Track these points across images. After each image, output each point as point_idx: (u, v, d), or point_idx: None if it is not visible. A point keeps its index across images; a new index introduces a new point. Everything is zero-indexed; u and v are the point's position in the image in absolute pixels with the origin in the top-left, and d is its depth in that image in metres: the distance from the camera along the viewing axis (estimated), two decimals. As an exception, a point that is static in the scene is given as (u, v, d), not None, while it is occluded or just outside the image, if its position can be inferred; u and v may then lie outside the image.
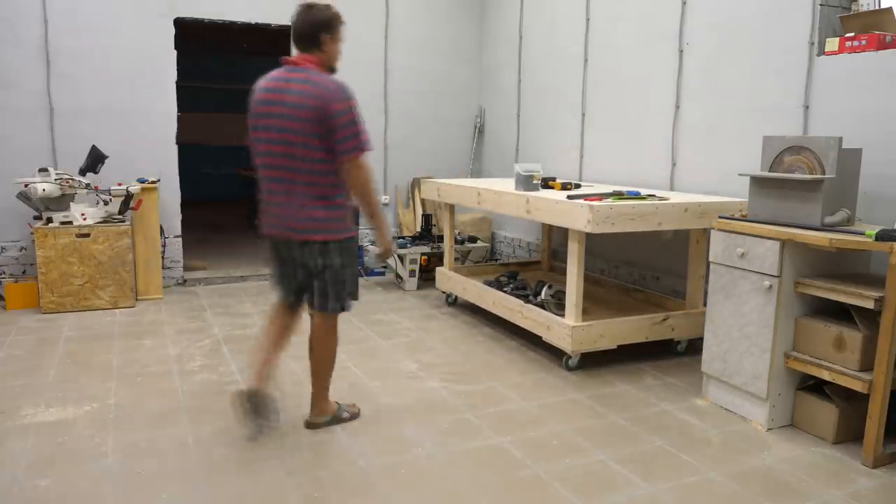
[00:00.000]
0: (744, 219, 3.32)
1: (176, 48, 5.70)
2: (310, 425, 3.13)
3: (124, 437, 3.00)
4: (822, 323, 3.05)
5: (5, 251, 5.37)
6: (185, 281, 5.97)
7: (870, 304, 2.79)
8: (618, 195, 3.81)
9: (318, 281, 2.91)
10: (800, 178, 3.09)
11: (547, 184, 4.48)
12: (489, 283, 4.86)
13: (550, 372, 3.90)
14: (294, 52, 2.99)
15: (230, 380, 3.72)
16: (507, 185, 4.36)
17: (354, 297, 3.03)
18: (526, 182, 4.33)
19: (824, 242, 2.87)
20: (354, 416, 3.24)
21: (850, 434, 3.03)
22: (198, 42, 9.15)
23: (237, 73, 11.28)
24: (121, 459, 2.80)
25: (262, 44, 9.89)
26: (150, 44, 5.63)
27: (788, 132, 3.69)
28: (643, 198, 3.78)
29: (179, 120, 5.83)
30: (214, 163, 11.37)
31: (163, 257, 5.64)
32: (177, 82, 5.73)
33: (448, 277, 5.32)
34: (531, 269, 5.67)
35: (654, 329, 3.99)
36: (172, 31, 5.67)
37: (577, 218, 3.60)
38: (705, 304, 3.61)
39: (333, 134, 2.79)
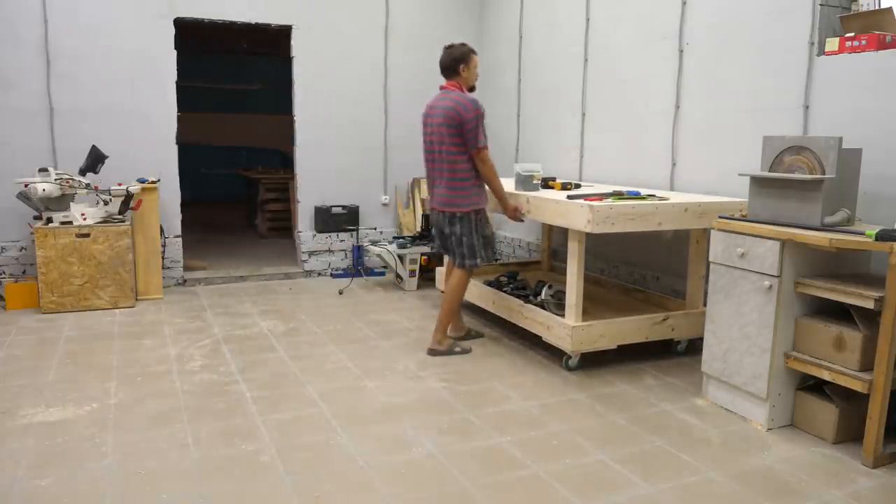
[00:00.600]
0: (744, 219, 3.32)
1: (176, 48, 5.70)
2: (430, 351, 4.16)
3: (124, 437, 3.00)
4: (822, 323, 3.05)
5: (5, 251, 5.37)
6: (185, 281, 5.97)
7: (870, 304, 2.79)
8: (618, 195, 3.80)
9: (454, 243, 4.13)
10: (800, 178, 3.09)
11: (547, 184, 4.47)
12: (489, 284, 4.85)
13: (551, 372, 3.90)
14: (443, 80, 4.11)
15: (230, 380, 3.72)
16: (507, 185, 4.36)
17: (481, 258, 4.12)
18: (526, 182, 4.32)
19: (824, 242, 2.87)
20: (466, 351, 4.20)
21: (850, 434, 3.03)
22: (198, 42, 9.15)
23: (237, 73, 11.31)
24: (121, 459, 2.80)
25: (263, 44, 9.90)
26: (150, 44, 5.63)
27: (788, 132, 3.69)
28: (643, 198, 3.77)
29: (179, 120, 5.83)
30: (214, 163, 11.37)
31: (163, 257, 5.64)
32: (177, 82, 5.73)
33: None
34: (531, 269, 5.65)
35: (655, 329, 3.98)
36: (172, 31, 5.68)
37: (577, 218, 3.60)
38: (706, 305, 3.62)
39: (465, 135, 3.98)
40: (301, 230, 6.45)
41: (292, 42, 6.16)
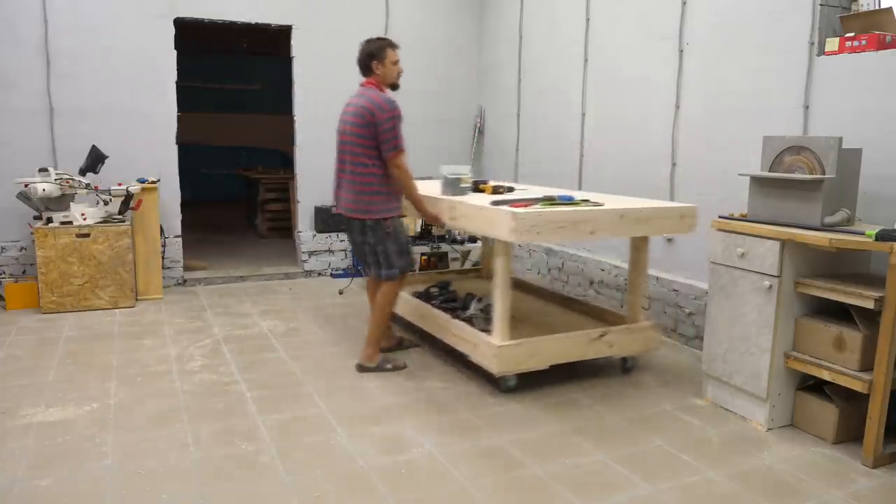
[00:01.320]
0: (744, 219, 3.32)
1: (176, 48, 5.70)
2: (358, 367, 3.87)
3: (124, 437, 3.00)
4: (822, 323, 3.05)
5: (5, 251, 5.37)
6: (185, 281, 5.97)
7: (870, 304, 2.79)
8: (549, 200, 3.52)
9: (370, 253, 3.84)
10: (800, 178, 3.09)
11: (478, 187, 4.15)
12: (418, 295, 4.49)
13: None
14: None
15: (230, 380, 3.72)
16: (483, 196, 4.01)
17: (399, 268, 3.81)
18: (452, 186, 3.92)
19: (824, 242, 2.87)
20: (399, 368, 3.88)
21: (850, 434, 3.03)
22: (198, 42, 9.15)
23: (237, 73, 11.31)
24: (121, 459, 2.80)
25: (263, 44, 9.90)
26: (150, 44, 5.63)
27: (788, 132, 3.69)
28: (576, 203, 3.48)
29: (179, 120, 5.83)
30: (214, 163, 11.37)
31: (163, 257, 5.64)
32: (177, 82, 5.73)
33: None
34: (469, 279, 5.32)
35: (592, 346, 3.66)
36: (172, 31, 5.67)
37: (500, 226, 3.22)
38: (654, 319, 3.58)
39: (379, 137, 3.72)
40: (301, 230, 6.46)
41: (292, 42, 6.16)
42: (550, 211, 3.26)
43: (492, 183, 4.22)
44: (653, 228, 3.50)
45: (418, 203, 3.80)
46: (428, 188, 4.02)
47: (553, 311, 4.47)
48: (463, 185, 3.94)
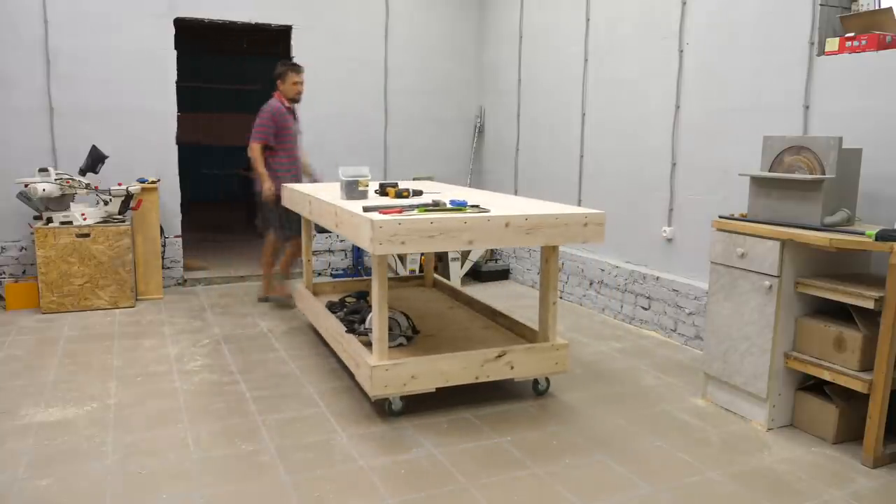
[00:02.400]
0: (744, 219, 3.32)
1: (176, 48, 5.70)
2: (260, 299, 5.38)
3: (124, 437, 3.00)
4: (822, 323, 3.05)
5: (5, 251, 5.37)
6: (185, 281, 5.97)
7: (870, 304, 2.79)
8: (432, 207, 3.18)
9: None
10: (800, 178, 3.09)
11: (384, 190, 3.89)
12: (331, 304, 4.27)
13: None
14: None
15: (230, 380, 3.72)
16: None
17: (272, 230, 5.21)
18: (350, 189, 3.64)
19: (824, 242, 2.87)
20: (285, 297, 5.30)
21: (850, 434, 3.03)
22: (198, 42, 9.15)
23: (237, 73, 11.30)
24: (121, 459, 2.80)
25: (263, 44, 9.89)
26: (150, 44, 5.63)
27: (788, 132, 3.69)
28: (459, 209, 3.14)
29: (179, 120, 5.83)
30: (214, 163, 11.37)
31: (163, 257, 5.64)
32: (177, 82, 5.73)
33: (301, 296, 4.74)
34: (410, 286, 5.10)
35: (488, 367, 3.30)
36: (172, 31, 5.67)
37: (362, 235, 2.98)
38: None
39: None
40: (301, 230, 6.46)
41: (292, 42, 6.16)
42: (417, 219, 2.92)
43: (403, 186, 3.92)
44: (546, 237, 3.13)
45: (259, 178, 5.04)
46: (327, 190, 4.13)
47: (474, 325, 4.04)
48: (361, 189, 3.64)
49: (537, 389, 3.55)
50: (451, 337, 3.77)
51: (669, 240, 4.59)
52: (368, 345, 3.36)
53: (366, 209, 3.08)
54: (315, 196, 3.86)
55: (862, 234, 2.82)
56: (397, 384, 3.13)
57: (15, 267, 5.40)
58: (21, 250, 5.40)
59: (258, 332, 4.61)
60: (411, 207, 3.13)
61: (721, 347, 3.40)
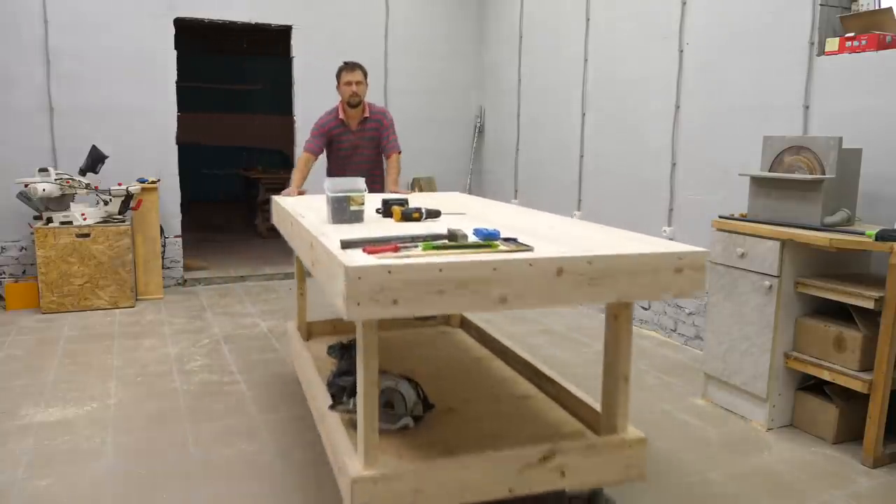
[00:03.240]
0: (744, 219, 3.32)
1: (176, 48, 5.70)
2: None
3: (124, 437, 3.00)
4: (822, 323, 3.05)
5: (5, 251, 5.37)
6: (185, 281, 5.97)
7: (870, 304, 2.79)
8: (444, 242, 2.06)
9: None
10: (800, 178, 3.09)
11: (389, 209, 2.77)
12: (329, 351, 3.23)
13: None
14: None
15: (230, 380, 3.72)
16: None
17: None
18: (338, 209, 2.56)
19: (824, 242, 2.87)
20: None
21: (850, 434, 3.03)
22: (198, 42, 9.15)
23: (237, 73, 11.31)
24: (121, 459, 2.80)
25: (263, 44, 9.90)
26: (150, 44, 5.63)
27: (788, 132, 3.69)
28: (489, 245, 2.01)
29: (179, 120, 5.83)
30: (214, 163, 11.38)
31: (163, 257, 5.64)
32: (177, 82, 5.73)
33: (289, 339, 3.76)
34: (430, 327, 3.80)
35: (529, 475, 2.16)
36: (172, 31, 5.68)
37: (334, 288, 1.87)
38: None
39: None
40: (301, 230, 6.45)
41: (292, 42, 6.16)
42: (414, 264, 1.79)
43: (414, 205, 2.76)
44: (620, 291, 1.95)
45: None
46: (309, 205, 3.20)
47: (509, 393, 2.87)
48: (354, 208, 2.56)
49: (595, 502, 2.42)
50: (477, 415, 2.63)
51: (669, 240, 4.59)
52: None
53: (345, 244, 1.98)
54: (297, 216, 2.75)
55: (862, 234, 2.82)
56: (389, 503, 2.02)
57: (15, 267, 5.40)
58: (21, 250, 5.40)
59: (258, 332, 4.61)
60: (412, 241, 2.06)
61: (721, 347, 3.40)
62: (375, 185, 4.18)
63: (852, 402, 3.00)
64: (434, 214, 2.72)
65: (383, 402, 2.40)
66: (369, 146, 4.37)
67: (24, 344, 4.29)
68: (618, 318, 2.29)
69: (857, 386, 2.86)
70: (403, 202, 2.82)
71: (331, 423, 2.39)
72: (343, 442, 2.22)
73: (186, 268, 6.07)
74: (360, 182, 2.63)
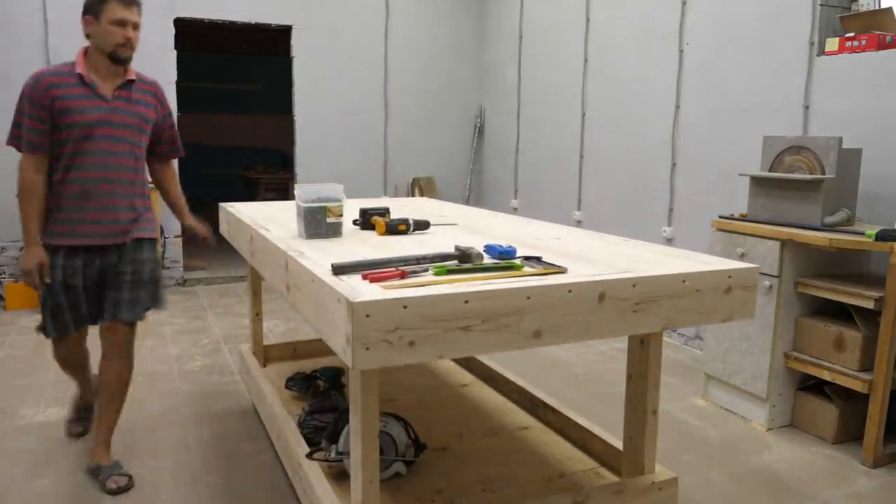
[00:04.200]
0: (744, 219, 3.32)
1: (176, 48, 5.70)
2: (91, 471, 2.64)
3: (124, 438, 3.00)
4: (822, 323, 3.05)
5: (5, 251, 5.37)
6: (185, 281, 5.97)
7: (870, 304, 2.79)
8: (458, 263, 1.75)
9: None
10: (800, 178, 3.09)
11: (369, 220, 2.40)
12: (290, 383, 2.92)
13: (550, 372, 3.88)
14: None
15: (230, 380, 3.72)
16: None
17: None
18: (311, 221, 2.18)
19: (824, 242, 2.87)
20: (119, 488, 2.53)
21: (850, 434, 3.03)
22: (198, 42, 9.16)
23: (237, 73, 11.31)
24: (121, 459, 2.79)
25: (263, 44, 9.91)
26: (149, 44, 5.62)
27: (788, 132, 3.69)
28: (512, 266, 1.69)
29: (179, 120, 5.82)
30: (214, 163, 11.38)
31: (162, 257, 5.64)
32: (177, 82, 5.73)
33: (246, 366, 3.21)
34: None
35: None
36: (172, 30, 5.67)
37: (334, 328, 1.49)
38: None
39: None
40: (301, 230, 6.45)
41: (292, 42, 6.16)
42: (435, 295, 1.43)
43: (397, 217, 2.41)
44: (666, 317, 1.68)
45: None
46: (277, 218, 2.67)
47: (506, 424, 2.61)
48: (331, 220, 2.20)
49: None
50: (475, 453, 2.35)
51: (669, 240, 4.59)
52: (343, 477, 2.08)
53: (337, 269, 1.63)
54: (258, 228, 2.35)
55: (862, 234, 2.82)
56: None
57: (15, 267, 5.39)
58: (21, 250, 5.38)
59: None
60: (418, 263, 1.73)
61: (721, 347, 3.40)
62: (136, 199, 2.71)
63: (852, 402, 3.00)
64: (423, 226, 2.37)
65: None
66: (134, 129, 2.60)
67: (24, 344, 4.28)
68: (646, 345, 2.05)
69: (857, 386, 2.86)
70: (384, 212, 2.43)
71: (308, 472, 2.09)
72: (328, 499, 1.93)
73: (186, 268, 6.07)
74: (338, 189, 2.20)
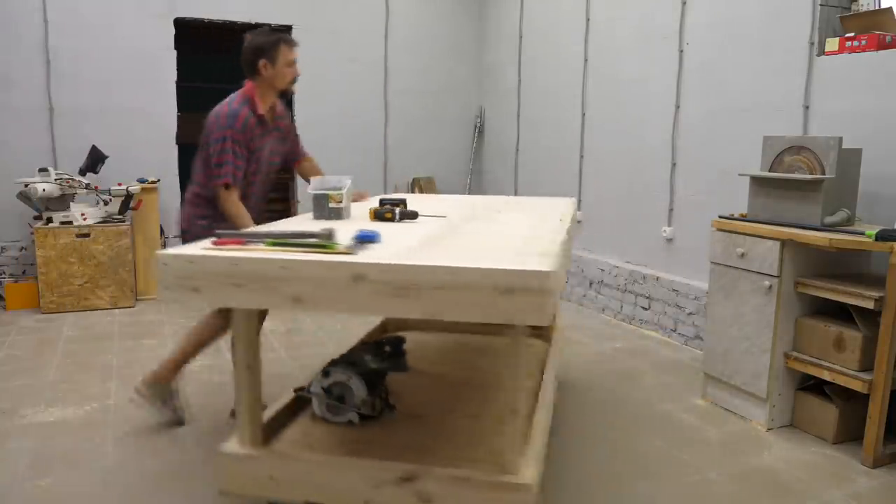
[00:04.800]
0: (744, 219, 3.32)
1: (176, 48, 5.70)
2: (137, 390, 3.06)
3: (124, 438, 3.00)
4: (822, 323, 3.04)
5: (5, 251, 5.37)
6: (185, 281, 5.97)
7: (870, 304, 2.79)
8: (317, 240, 2.02)
9: None
10: (800, 178, 3.09)
11: (384, 210, 2.64)
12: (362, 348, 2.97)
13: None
14: None
15: (230, 380, 3.71)
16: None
17: None
18: (318, 206, 2.69)
19: (824, 242, 2.87)
20: (175, 420, 3.03)
21: (850, 434, 3.03)
22: (198, 42, 9.14)
23: (237, 73, 11.32)
24: (121, 459, 2.80)
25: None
26: (150, 44, 5.63)
27: (788, 132, 3.69)
28: (326, 246, 1.96)
29: (179, 120, 5.83)
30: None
31: (163, 257, 5.64)
32: (177, 82, 5.73)
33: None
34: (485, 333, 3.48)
35: (384, 492, 2.04)
36: (172, 31, 5.68)
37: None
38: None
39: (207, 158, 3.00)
40: (301, 230, 6.45)
41: (292, 42, 6.16)
42: (211, 256, 1.92)
43: (419, 200, 2.80)
44: (426, 306, 1.76)
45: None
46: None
47: (483, 409, 2.65)
48: (333, 206, 2.67)
49: None
50: (435, 426, 2.50)
51: (669, 240, 4.59)
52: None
53: (219, 235, 2.10)
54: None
55: (862, 234, 2.82)
56: (250, 483, 2.17)
57: (15, 267, 5.40)
58: (21, 250, 5.40)
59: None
60: (293, 238, 2.07)
61: (721, 347, 3.40)
62: (263, 202, 3.23)
63: (852, 402, 3.00)
64: (410, 216, 2.65)
65: (336, 396, 2.49)
66: (279, 148, 3.16)
67: (24, 344, 4.29)
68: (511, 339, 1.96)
69: (857, 386, 2.86)
70: (398, 203, 2.75)
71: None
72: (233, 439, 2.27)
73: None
74: (346, 180, 2.71)
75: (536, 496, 1.94)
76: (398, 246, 2.08)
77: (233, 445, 2.22)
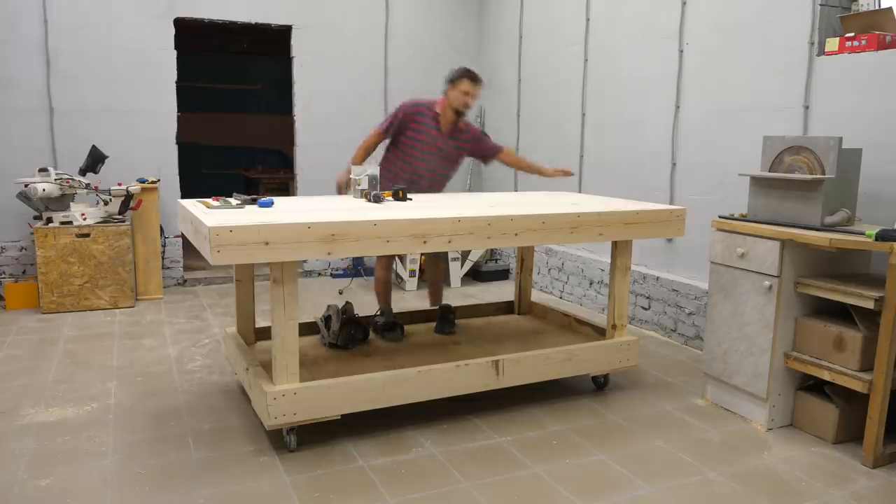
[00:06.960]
0: (744, 219, 3.32)
1: (176, 48, 5.70)
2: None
3: (124, 437, 3.00)
4: (822, 323, 3.05)
5: (5, 251, 5.37)
6: (185, 281, 5.97)
7: (870, 304, 2.79)
8: (240, 203, 3.11)
9: None
10: (800, 178, 3.09)
11: (397, 193, 3.53)
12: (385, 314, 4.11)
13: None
14: None
15: (230, 380, 3.72)
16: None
17: None
18: (353, 191, 3.69)
19: (824, 242, 2.87)
20: (389, 335, 3.88)
21: (850, 434, 3.03)
22: (198, 42, 9.15)
23: (237, 73, 11.30)
24: (121, 459, 2.80)
25: (263, 44, 9.89)
26: (150, 44, 5.63)
27: (788, 132, 3.69)
28: (230, 206, 3.08)
29: (179, 120, 5.83)
30: (214, 163, 11.37)
31: (163, 257, 5.64)
32: (177, 82, 5.73)
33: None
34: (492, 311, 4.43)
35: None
36: (172, 31, 5.68)
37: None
38: None
39: None
40: (301, 230, 6.45)
41: (292, 42, 6.16)
42: (187, 209, 2.97)
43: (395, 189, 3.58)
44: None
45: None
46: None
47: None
48: (359, 188, 3.61)
49: None
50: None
51: (669, 240, 4.59)
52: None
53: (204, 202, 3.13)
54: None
55: (862, 234, 2.82)
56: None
57: (15, 267, 5.40)
58: (21, 250, 5.40)
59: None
60: (240, 205, 3.09)
61: (721, 347, 3.40)
62: (436, 186, 4.31)
63: (852, 402, 3.00)
64: (402, 199, 3.51)
65: (325, 324, 3.68)
66: (451, 155, 4.14)
67: (24, 344, 4.29)
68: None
69: (857, 386, 2.86)
70: (402, 189, 3.57)
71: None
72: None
73: (187, 268, 6.07)
74: (372, 169, 3.65)
75: None
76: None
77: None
